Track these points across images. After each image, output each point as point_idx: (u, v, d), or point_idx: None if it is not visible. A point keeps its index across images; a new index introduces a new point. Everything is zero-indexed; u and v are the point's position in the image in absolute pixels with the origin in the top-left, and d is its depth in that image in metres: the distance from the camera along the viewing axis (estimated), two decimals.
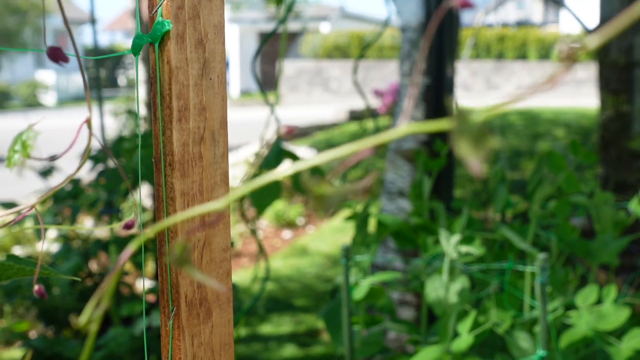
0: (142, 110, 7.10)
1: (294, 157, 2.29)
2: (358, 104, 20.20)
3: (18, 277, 0.79)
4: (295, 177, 2.15)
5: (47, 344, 2.72)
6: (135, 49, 0.70)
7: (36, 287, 0.65)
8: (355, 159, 0.39)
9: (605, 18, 7.35)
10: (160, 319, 0.78)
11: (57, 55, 0.59)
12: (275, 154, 2.17)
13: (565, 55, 0.41)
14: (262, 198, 2.07)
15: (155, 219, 0.77)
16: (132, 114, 4.16)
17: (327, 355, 5.09)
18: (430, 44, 3.35)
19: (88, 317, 0.47)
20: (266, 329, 6.28)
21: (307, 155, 9.63)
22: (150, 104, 3.13)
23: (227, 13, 22.99)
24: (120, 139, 2.82)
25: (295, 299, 6.69)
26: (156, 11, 0.70)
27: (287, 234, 8.50)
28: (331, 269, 7.17)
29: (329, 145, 12.15)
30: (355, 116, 18.32)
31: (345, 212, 9.81)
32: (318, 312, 6.01)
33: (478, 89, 24.56)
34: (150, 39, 0.71)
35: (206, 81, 0.75)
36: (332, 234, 8.47)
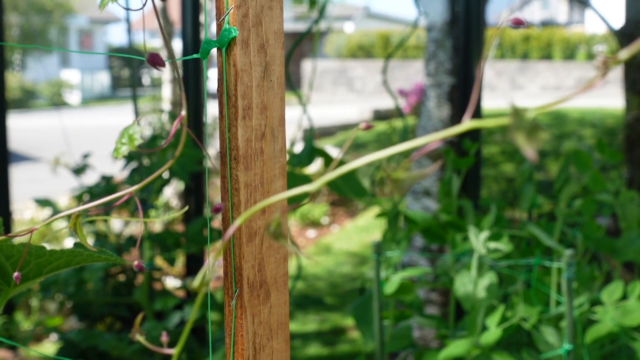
0: (167, 109, 7.17)
1: (327, 156, 2.34)
2: (382, 104, 20.17)
3: (86, 263, 0.85)
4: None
5: (82, 336, 2.78)
6: (204, 54, 0.78)
7: (136, 262, 0.71)
8: (422, 152, 0.44)
9: (630, 19, 7.34)
10: (224, 300, 0.86)
11: (155, 61, 0.65)
12: (308, 152, 2.22)
13: (600, 64, 0.47)
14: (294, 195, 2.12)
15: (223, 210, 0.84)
16: (161, 112, 4.26)
17: (353, 353, 5.12)
18: (457, 43, 3.39)
19: (200, 280, 0.53)
20: (291, 326, 6.32)
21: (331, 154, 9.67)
22: (180, 103, 3.18)
23: None
24: (153, 137, 2.88)
25: (320, 297, 6.74)
26: (223, 19, 0.78)
27: (311, 233, 8.54)
28: (356, 267, 7.20)
29: (356, 145, 12.17)
30: (379, 116, 18.32)
31: (371, 212, 9.84)
32: (346, 309, 6.04)
33: (503, 89, 24.50)
34: (218, 45, 0.79)
35: (267, 83, 0.83)
36: (356, 233, 8.50)
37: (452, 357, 1.89)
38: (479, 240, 1.89)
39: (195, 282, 0.53)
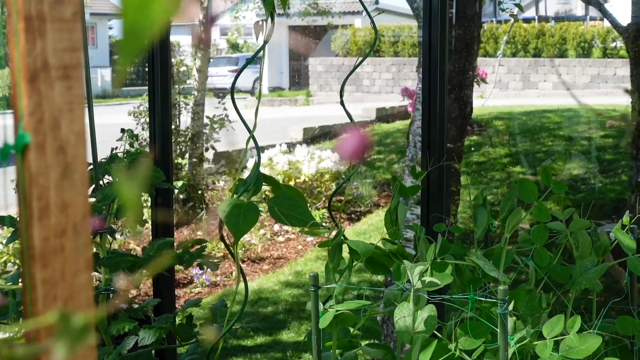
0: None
1: (275, 183, 2.30)
2: (388, 103, 20.14)
3: None
4: (273, 206, 2.17)
5: None
6: (3, 156, 0.82)
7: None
8: None
9: (637, 17, 7.27)
10: None
11: None
12: (255, 180, 2.18)
13: None
14: (238, 224, 2.09)
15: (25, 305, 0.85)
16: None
17: None
18: (423, 41, 3.26)
19: None
20: (287, 335, 6.30)
21: (330, 158, 9.57)
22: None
23: (256, 10, 22.54)
24: (112, 157, 2.81)
25: None
26: (18, 125, 0.81)
27: (310, 237, 8.53)
28: (355, 273, 7.16)
29: None
30: (382, 115, 18.40)
31: (371, 217, 9.79)
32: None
33: (515, 87, 24.33)
34: (14, 149, 0.83)
35: (68, 182, 0.85)
36: (356, 238, 8.46)
37: None
38: (414, 274, 1.85)
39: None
